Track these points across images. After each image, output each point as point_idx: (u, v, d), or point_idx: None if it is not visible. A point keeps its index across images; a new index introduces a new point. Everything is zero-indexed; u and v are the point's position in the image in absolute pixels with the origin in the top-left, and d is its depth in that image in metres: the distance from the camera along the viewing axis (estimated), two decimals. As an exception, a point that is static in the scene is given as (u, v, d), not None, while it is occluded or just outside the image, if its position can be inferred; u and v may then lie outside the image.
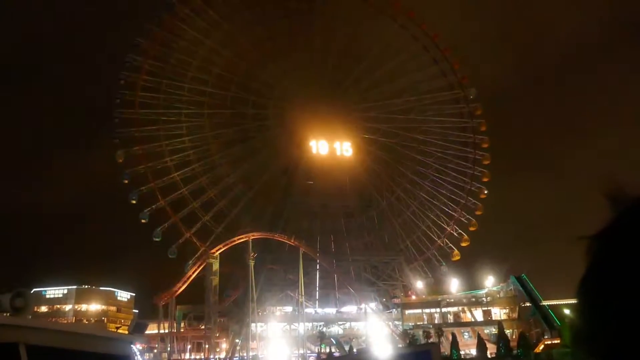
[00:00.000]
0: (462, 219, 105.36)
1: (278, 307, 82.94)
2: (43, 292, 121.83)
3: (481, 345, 55.62)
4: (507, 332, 69.37)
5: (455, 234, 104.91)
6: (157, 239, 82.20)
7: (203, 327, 68.81)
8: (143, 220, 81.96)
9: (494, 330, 72.15)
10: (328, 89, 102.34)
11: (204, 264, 73.60)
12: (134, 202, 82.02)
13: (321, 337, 69.74)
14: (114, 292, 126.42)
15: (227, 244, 78.02)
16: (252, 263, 74.83)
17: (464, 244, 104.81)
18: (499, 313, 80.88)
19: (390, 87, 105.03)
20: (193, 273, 75.56)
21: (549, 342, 60.56)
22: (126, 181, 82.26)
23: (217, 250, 77.24)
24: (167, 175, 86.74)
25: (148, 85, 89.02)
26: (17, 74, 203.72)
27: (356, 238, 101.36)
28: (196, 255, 78.36)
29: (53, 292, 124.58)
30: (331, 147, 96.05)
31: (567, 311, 59.39)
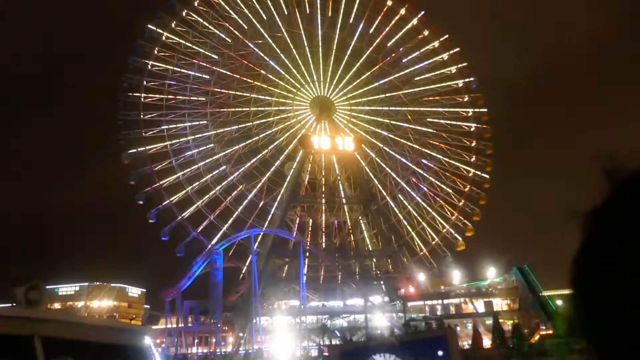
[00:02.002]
0: (467, 209, 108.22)
1: (283, 301, 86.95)
2: (56, 290, 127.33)
3: (475, 337, 58.94)
4: (510, 322, 72.52)
5: (459, 224, 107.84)
6: (164, 239, 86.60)
7: (208, 321, 73.14)
8: (151, 221, 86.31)
9: (496, 321, 75.12)
10: (329, 83, 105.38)
11: (208, 260, 77.55)
12: (140, 202, 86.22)
13: (323, 330, 73.64)
14: (125, 288, 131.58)
15: (230, 240, 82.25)
16: (254, 258, 78.73)
17: (468, 234, 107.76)
18: (500, 304, 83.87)
19: (392, 81, 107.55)
20: (198, 269, 79.63)
21: (544, 333, 63.64)
22: (132, 182, 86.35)
23: (220, 246, 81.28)
24: (172, 175, 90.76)
25: (151, 86, 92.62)
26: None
27: (360, 231, 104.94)
28: (204, 253, 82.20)
29: (66, 289, 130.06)
30: (333, 142, 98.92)
31: (559, 302, 62.30)
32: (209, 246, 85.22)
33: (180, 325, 73.41)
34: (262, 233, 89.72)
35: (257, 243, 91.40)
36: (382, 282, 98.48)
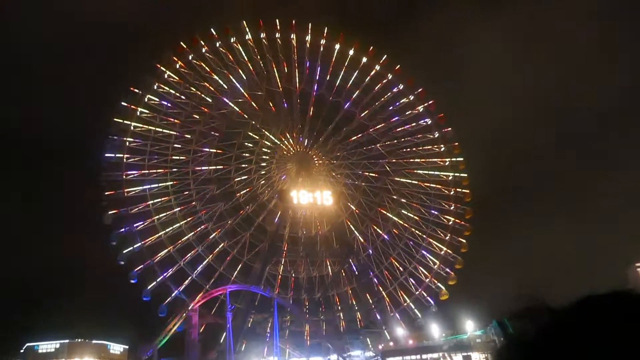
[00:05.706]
0: (449, 257, 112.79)
1: (263, 357, 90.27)
2: (35, 347, 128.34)
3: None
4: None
5: (442, 272, 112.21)
6: (146, 299, 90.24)
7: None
8: (132, 281, 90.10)
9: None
10: (308, 138, 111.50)
11: (184, 317, 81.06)
12: (122, 263, 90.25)
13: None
14: (106, 345, 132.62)
15: (205, 297, 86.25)
16: (230, 315, 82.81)
17: (451, 283, 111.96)
18: (479, 358, 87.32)
19: (369, 134, 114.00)
20: (173, 326, 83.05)
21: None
22: (114, 243, 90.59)
23: (196, 304, 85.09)
24: (154, 234, 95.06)
25: (134, 147, 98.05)
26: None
27: (343, 285, 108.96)
28: (183, 313, 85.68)
29: (46, 347, 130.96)
30: (312, 196, 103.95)
31: None
32: (191, 305, 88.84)
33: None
34: (242, 289, 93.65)
35: (238, 299, 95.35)
36: (366, 337, 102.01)
